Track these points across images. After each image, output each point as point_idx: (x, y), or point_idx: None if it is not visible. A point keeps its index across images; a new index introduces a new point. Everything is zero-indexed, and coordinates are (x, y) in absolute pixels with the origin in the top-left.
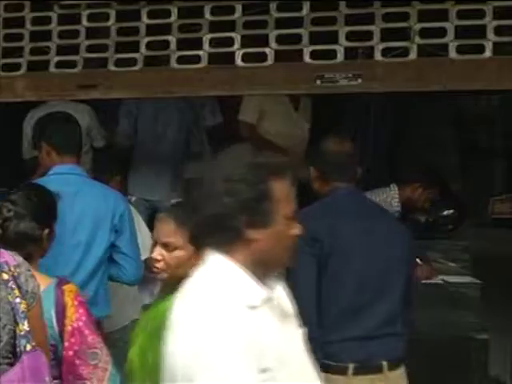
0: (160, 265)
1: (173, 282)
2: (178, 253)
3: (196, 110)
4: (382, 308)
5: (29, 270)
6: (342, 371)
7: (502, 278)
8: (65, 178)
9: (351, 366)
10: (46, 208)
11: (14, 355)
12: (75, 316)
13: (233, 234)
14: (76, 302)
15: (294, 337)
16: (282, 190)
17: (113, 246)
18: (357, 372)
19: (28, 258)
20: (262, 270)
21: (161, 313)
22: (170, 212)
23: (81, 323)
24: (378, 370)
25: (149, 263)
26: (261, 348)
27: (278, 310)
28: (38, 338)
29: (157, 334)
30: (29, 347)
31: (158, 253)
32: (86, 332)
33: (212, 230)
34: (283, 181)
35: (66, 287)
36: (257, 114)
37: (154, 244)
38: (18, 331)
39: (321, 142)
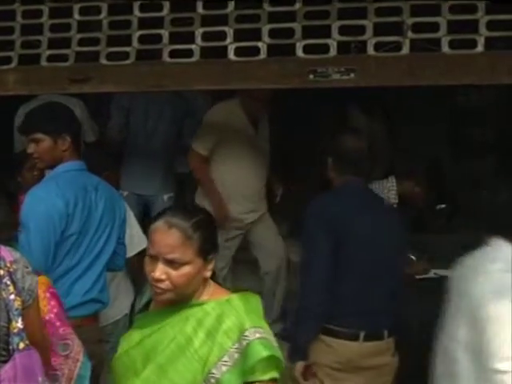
0: (165, 285)
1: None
2: (187, 269)
3: (188, 103)
4: (386, 287)
5: (26, 267)
6: (355, 338)
7: None
8: (82, 174)
9: (362, 334)
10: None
11: (8, 353)
12: (47, 308)
13: None
14: (48, 294)
15: None
16: None
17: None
18: (366, 339)
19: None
20: None
21: (170, 339)
22: (169, 222)
23: (52, 315)
24: (380, 337)
25: (150, 282)
26: None
27: None
28: (35, 335)
29: (172, 364)
30: (22, 345)
31: (162, 271)
32: (58, 324)
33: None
34: None
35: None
36: (211, 145)
37: (154, 259)
38: (11, 329)
39: (338, 136)
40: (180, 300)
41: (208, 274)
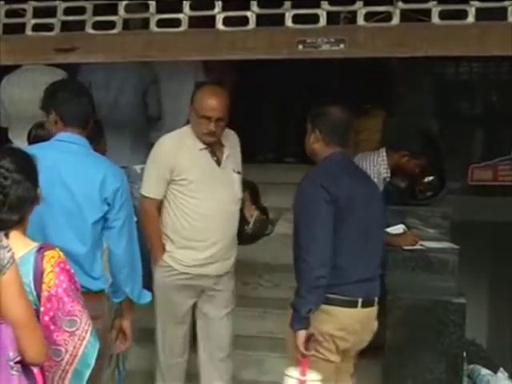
0: None
1: None
2: None
3: (154, 71)
4: (376, 255)
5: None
6: (354, 305)
7: (479, 243)
8: (64, 145)
9: (360, 301)
10: (33, 169)
11: None
12: (53, 282)
13: None
14: (57, 269)
15: None
16: None
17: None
18: (362, 305)
19: (23, 220)
20: None
21: None
22: None
23: (60, 290)
24: (373, 303)
25: None
26: None
27: None
28: (4, 309)
29: None
30: None
31: None
32: (66, 299)
33: None
34: None
35: (47, 253)
36: (164, 187)
37: None
38: None
39: (325, 108)
40: None
41: None
